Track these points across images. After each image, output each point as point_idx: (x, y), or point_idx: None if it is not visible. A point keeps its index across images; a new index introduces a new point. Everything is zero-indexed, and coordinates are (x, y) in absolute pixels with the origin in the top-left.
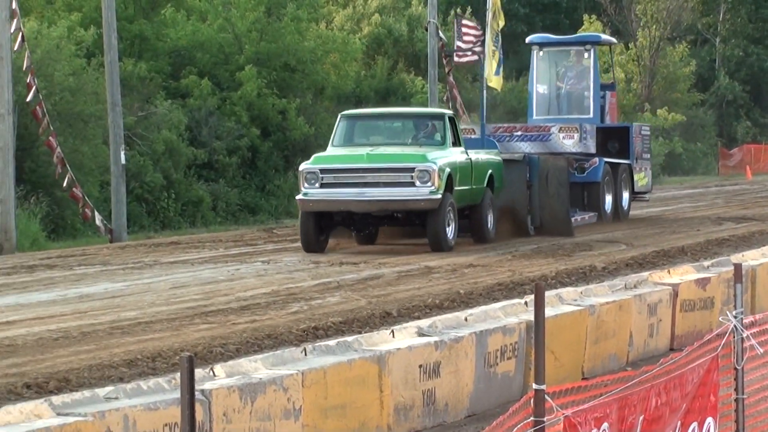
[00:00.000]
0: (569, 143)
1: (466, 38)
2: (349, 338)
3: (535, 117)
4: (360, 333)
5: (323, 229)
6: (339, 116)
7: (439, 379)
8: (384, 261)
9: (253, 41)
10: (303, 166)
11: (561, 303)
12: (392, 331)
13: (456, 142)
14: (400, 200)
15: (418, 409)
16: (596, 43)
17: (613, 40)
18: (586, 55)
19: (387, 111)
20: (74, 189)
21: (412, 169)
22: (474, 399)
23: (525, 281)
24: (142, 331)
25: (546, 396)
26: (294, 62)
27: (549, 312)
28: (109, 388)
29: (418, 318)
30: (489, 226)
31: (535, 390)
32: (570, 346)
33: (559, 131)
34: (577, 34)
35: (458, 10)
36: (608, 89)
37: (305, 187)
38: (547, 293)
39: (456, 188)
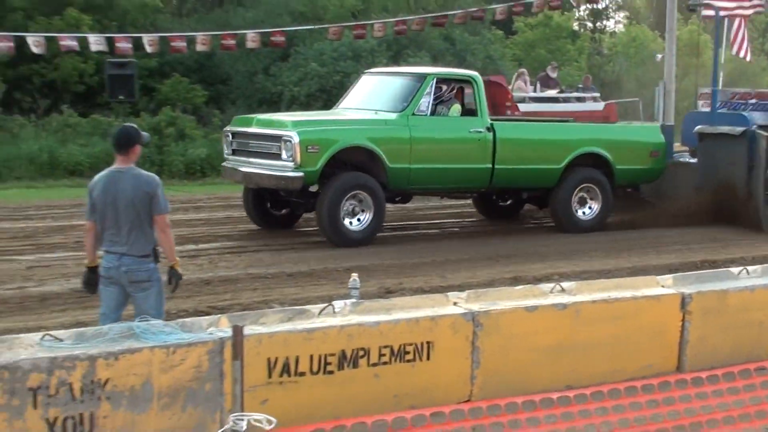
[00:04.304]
0: None
1: None
2: None
3: None
4: None
5: (276, 202)
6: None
7: None
8: None
9: None
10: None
11: None
12: None
13: (473, 111)
14: (266, 175)
15: None
16: None
17: None
18: None
19: (381, 71)
20: None
21: (278, 138)
22: None
23: None
24: None
25: None
26: None
27: None
28: None
29: None
30: (573, 214)
31: None
32: None
33: None
34: None
35: None
36: None
37: (225, 153)
38: None
39: (400, 165)
